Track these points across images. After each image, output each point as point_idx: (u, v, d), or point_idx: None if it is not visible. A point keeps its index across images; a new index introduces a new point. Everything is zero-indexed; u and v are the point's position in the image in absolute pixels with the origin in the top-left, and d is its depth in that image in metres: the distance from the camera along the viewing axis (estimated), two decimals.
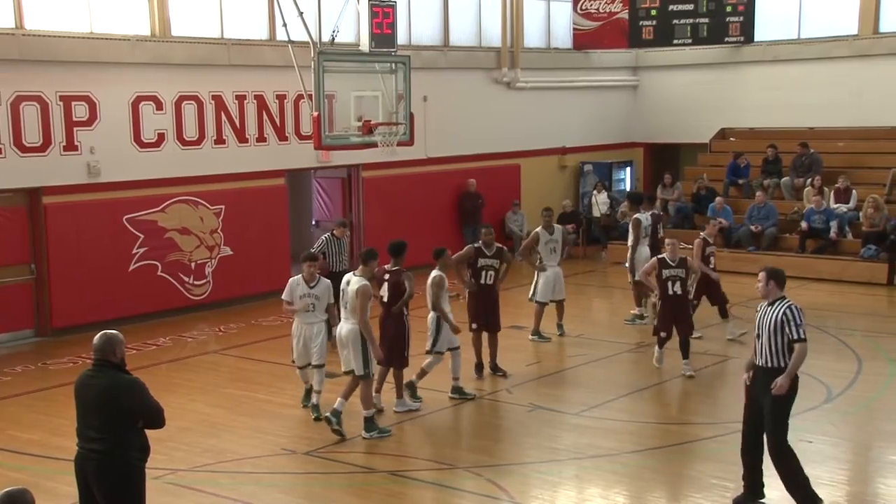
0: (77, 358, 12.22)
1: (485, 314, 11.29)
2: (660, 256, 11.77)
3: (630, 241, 13.91)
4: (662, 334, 11.52)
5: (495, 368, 11.42)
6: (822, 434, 9.36)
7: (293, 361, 10.27)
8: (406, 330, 10.02)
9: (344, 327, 9.40)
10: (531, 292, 13.18)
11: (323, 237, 13.02)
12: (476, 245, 11.48)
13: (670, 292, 11.40)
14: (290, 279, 10.07)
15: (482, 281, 11.32)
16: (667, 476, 8.51)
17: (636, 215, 13.96)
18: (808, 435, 9.28)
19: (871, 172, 18.83)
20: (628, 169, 22.52)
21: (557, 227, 13.41)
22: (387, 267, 10.02)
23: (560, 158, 21.47)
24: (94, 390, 5.92)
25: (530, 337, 13.07)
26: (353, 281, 9.36)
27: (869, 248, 16.88)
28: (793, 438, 9.18)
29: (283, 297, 10.01)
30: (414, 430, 9.79)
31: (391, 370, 10.13)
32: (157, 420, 6.00)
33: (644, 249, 13.66)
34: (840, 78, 19.93)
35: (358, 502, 8.24)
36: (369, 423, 9.37)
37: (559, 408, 10.11)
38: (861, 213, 17.50)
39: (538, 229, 13.23)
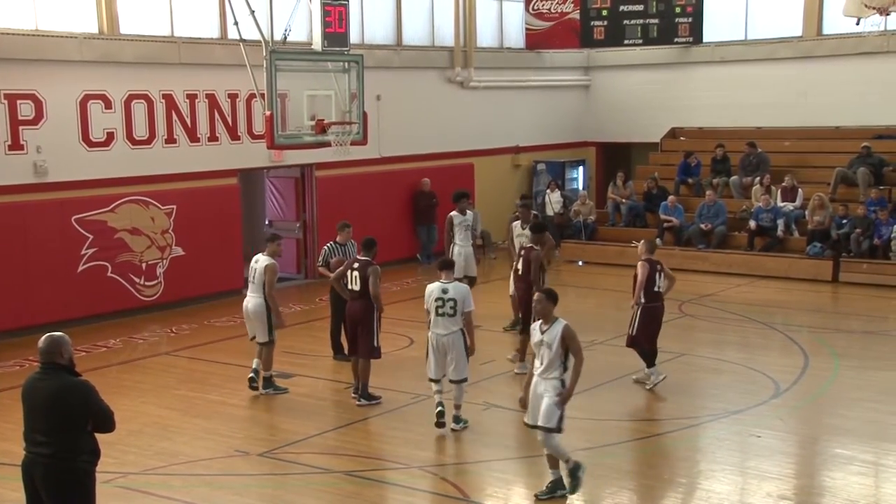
0: (24, 361, 11.98)
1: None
2: None
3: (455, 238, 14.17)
4: None
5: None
6: (770, 428, 9.55)
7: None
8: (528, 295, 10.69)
9: (250, 301, 10.62)
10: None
11: (325, 247, 11.93)
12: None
13: None
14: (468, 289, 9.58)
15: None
16: (620, 472, 8.60)
17: (451, 213, 14.36)
18: (756, 430, 9.48)
19: (816, 171, 19.21)
20: (581, 168, 22.72)
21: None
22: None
23: (513, 157, 21.58)
24: (43, 393, 5.82)
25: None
26: (261, 259, 10.57)
27: (814, 245, 17.24)
28: (742, 433, 9.43)
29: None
30: (369, 430, 9.78)
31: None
32: (107, 423, 5.92)
33: (456, 248, 14.00)
34: (786, 79, 20.32)
35: (313, 503, 8.20)
36: (267, 382, 10.72)
37: (513, 406, 10.15)
38: (807, 212, 17.86)
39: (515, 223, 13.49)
